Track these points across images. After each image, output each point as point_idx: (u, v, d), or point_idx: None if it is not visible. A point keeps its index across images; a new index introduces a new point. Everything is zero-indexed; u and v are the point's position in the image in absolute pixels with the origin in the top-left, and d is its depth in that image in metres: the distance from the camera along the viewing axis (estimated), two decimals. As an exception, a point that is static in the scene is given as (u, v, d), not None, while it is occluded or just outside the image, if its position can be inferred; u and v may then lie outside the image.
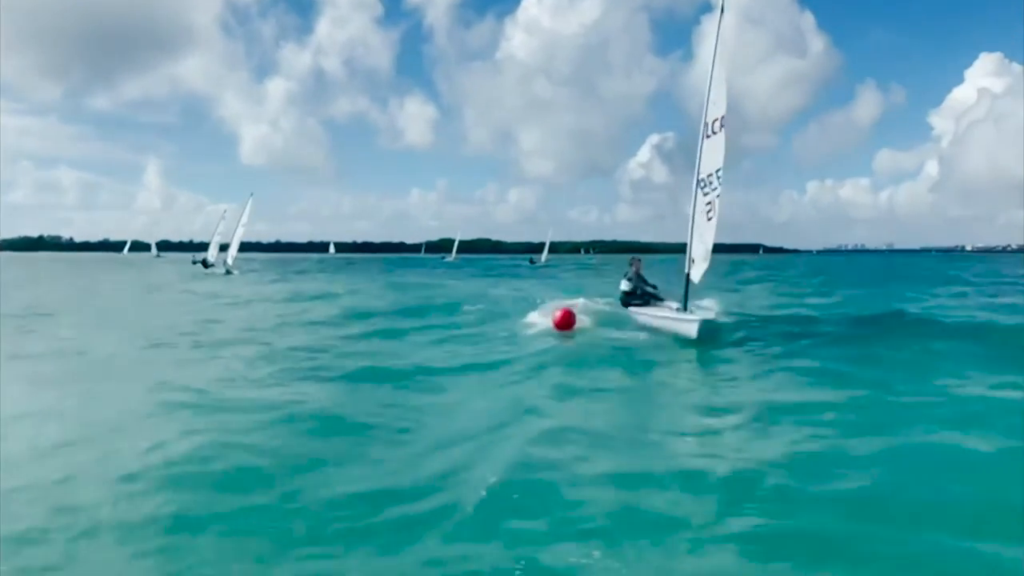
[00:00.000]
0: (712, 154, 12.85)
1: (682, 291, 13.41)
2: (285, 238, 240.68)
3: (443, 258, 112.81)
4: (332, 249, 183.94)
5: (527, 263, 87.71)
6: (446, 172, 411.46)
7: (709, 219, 12.94)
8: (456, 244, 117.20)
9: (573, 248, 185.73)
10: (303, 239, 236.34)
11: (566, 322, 13.44)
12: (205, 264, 58.20)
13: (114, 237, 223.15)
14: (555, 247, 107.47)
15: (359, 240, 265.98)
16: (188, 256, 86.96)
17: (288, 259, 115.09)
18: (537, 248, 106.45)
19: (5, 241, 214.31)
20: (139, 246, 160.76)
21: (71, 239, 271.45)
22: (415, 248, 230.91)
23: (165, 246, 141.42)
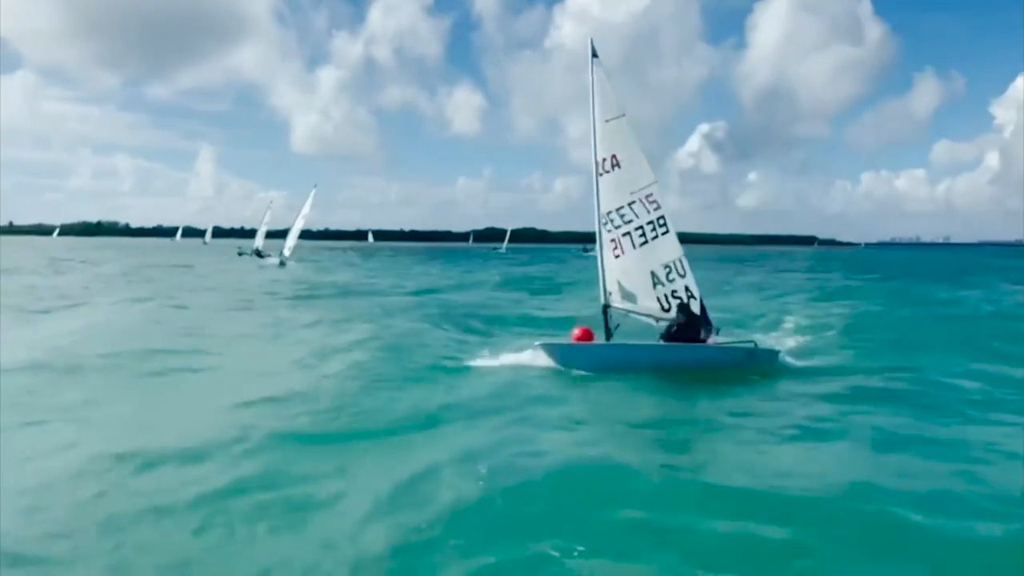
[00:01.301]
0: (608, 192, 13.37)
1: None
2: (334, 226, 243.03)
3: (494, 248, 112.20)
4: (371, 238, 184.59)
5: (580, 252, 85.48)
6: (492, 161, 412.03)
7: (616, 256, 13.37)
8: (508, 234, 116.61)
9: None
10: (351, 227, 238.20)
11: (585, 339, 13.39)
12: (259, 254, 57.02)
13: (167, 223, 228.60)
14: (593, 237, 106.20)
15: (406, 228, 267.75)
16: (235, 243, 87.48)
17: (329, 246, 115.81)
18: (585, 237, 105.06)
19: (65, 226, 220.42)
20: (190, 232, 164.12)
21: (127, 224, 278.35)
22: (461, 237, 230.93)
23: (217, 232, 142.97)
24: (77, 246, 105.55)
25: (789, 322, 20.02)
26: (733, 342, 13.33)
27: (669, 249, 13.48)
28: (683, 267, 13.48)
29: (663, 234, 13.44)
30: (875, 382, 12.25)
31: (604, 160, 13.37)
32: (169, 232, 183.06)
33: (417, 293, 30.77)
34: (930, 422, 9.71)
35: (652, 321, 13.48)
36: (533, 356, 12.81)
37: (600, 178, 13.39)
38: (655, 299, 13.37)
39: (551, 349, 12.82)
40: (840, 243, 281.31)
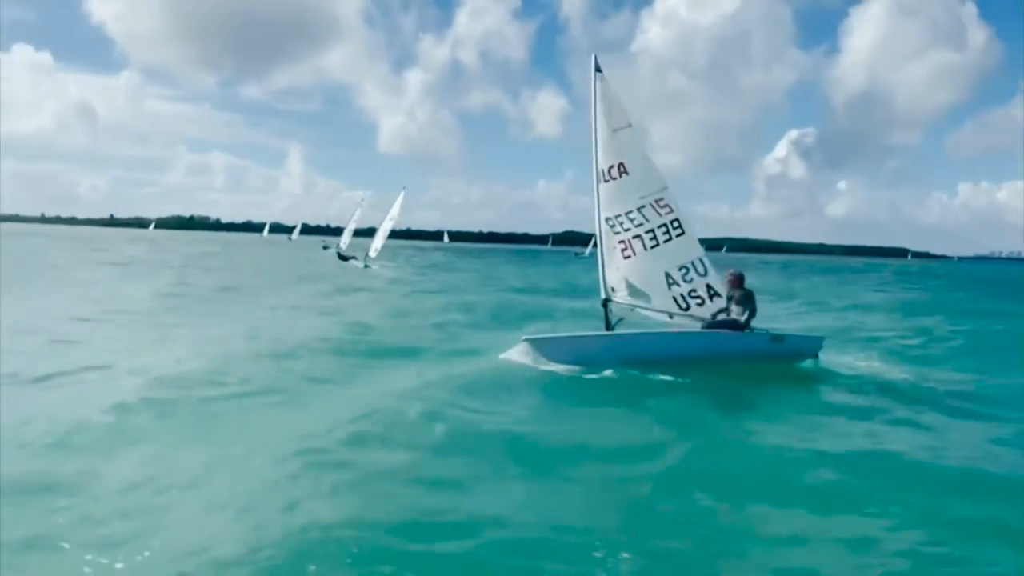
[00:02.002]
0: (613, 197, 13.79)
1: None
2: (415, 226, 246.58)
3: (577, 254, 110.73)
4: (446, 238, 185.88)
5: None
6: (574, 164, 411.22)
7: (626, 257, 13.76)
8: (593, 238, 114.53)
9: (716, 245, 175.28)
10: (431, 227, 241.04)
11: None
12: (342, 257, 55.40)
13: (256, 219, 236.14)
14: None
15: (484, 230, 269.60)
16: (319, 240, 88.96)
17: (405, 246, 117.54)
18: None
19: (161, 219, 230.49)
20: (277, 228, 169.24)
21: (218, 220, 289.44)
22: (539, 239, 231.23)
23: (303, 229, 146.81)
24: (187, 240, 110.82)
25: (873, 335, 19.39)
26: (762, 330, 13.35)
27: (685, 250, 13.76)
28: (704, 266, 13.75)
29: (678, 236, 13.74)
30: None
31: (611, 167, 13.82)
32: (258, 228, 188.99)
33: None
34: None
35: (666, 317, 13.82)
36: (520, 353, 13.03)
37: (606, 184, 13.84)
38: (671, 298, 13.67)
39: (539, 344, 13.01)
40: (934, 256, 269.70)
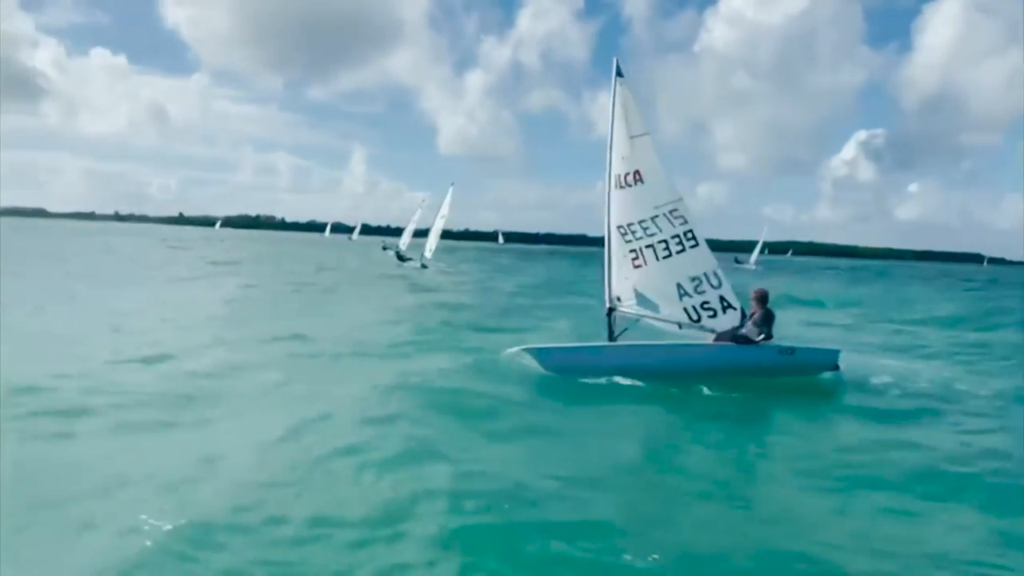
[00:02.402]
0: (627, 204, 13.68)
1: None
2: (473, 227, 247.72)
3: (738, 260, 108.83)
4: (500, 239, 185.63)
5: (731, 264, 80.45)
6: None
7: (637, 266, 13.65)
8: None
9: (781, 248, 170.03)
10: (490, 228, 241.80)
11: None
12: (401, 257, 55.23)
13: (320, 219, 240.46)
14: (746, 246, 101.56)
15: (542, 231, 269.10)
16: (378, 240, 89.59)
17: (464, 247, 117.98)
18: (733, 247, 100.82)
19: (227, 218, 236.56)
20: (338, 228, 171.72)
21: (283, 219, 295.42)
22: (596, 241, 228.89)
23: (364, 230, 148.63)
24: (260, 239, 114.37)
25: (929, 347, 18.78)
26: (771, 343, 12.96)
27: (698, 262, 13.60)
28: (717, 278, 13.57)
29: (691, 247, 13.59)
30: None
31: (627, 174, 13.69)
32: (320, 227, 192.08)
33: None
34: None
35: (675, 327, 13.65)
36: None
37: (622, 191, 13.73)
38: (681, 309, 13.51)
39: (538, 353, 13.13)
40: (1011, 262, 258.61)
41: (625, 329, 13.58)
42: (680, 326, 13.58)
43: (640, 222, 13.61)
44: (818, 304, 32.80)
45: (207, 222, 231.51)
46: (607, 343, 13.37)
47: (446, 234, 57.21)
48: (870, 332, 22.63)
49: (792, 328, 21.17)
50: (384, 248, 65.34)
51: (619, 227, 13.76)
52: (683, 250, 13.57)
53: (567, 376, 12.56)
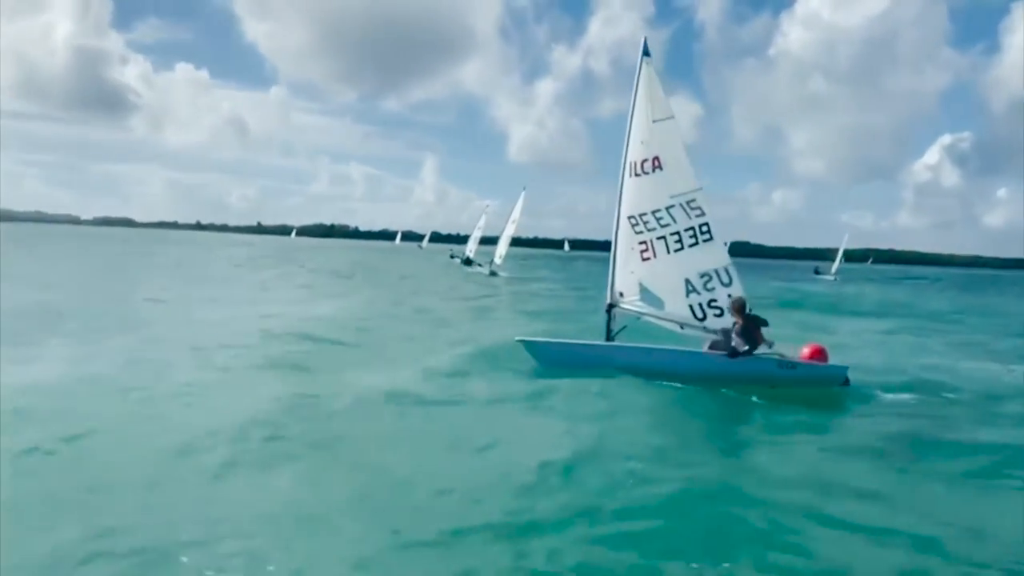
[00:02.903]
0: (641, 193, 13.08)
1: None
2: (542, 234, 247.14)
3: (817, 271, 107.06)
4: (566, 247, 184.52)
5: (810, 274, 77.16)
6: (706, 170, 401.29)
7: (645, 259, 13.12)
8: (727, 247, 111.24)
9: (860, 256, 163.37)
10: (558, 235, 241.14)
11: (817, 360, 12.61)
12: (468, 262, 54.38)
13: (391, 227, 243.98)
14: (822, 254, 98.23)
15: (611, 239, 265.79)
16: (447, 247, 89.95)
17: (534, 254, 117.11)
18: (808, 255, 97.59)
19: (303, 227, 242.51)
20: (409, 236, 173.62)
21: (356, 228, 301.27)
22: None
23: (433, 238, 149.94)
24: (339, 247, 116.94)
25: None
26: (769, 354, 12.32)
27: (710, 257, 13.03)
28: (728, 276, 12.98)
29: (705, 241, 13.01)
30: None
31: (646, 161, 13.08)
32: (392, 236, 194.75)
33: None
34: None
35: (676, 327, 13.10)
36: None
37: (636, 179, 13.13)
38: (687, 307, 12.95)
39: (531, 346, 13.12)
40: None
41: (624, 327, 13.23)
42: (682, 326, 13.05)
43: (654, 212, 13.03)
44: (893, 314, 31.32)
45: (284, 231, 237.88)
46: (601, 342, 13.10)
47: (523, 242, 56.57)
48: (933, 342, 21.33)
49: (846, 337, 20.35)
50: (452, 256, 65.00)
51: (630, 217, 13.16)
52: (696, 243, 13.01)
53: (559, 370, 12.41)
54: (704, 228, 13.04)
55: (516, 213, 50.64)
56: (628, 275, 13.27)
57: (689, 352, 12.67)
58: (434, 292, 33.66)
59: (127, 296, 24.72)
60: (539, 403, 10.73)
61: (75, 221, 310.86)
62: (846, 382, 12.34)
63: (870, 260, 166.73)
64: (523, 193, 51.57)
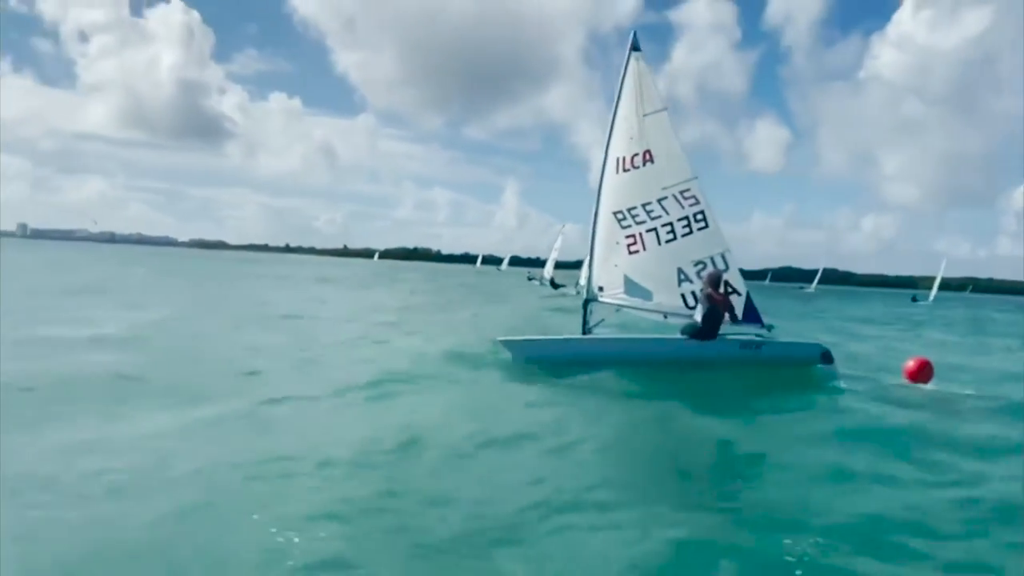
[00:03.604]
0: (628, 189, 13.06)
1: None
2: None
3: (800, 288, 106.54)
4: None
5: (908, 302, 73.36)
6: (793, 197, 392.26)
7: (633, 252, 13.06)
8: (819, 274, 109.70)
9: (958, 286, 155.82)
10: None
11: (922, 374, 12.07)
12: (555, 285, 52.28)
13: (473, 251, 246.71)
14: (916, 282, 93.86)
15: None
16: (525, 271, 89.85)
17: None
18: (900, 283, 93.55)
19: (387, 250, 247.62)
20: (489, 260, 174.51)
21: (439, 251, 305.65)
22: (754, 275, 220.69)
23: (512, 261, 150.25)
24: (421, 269, 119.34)
25: None
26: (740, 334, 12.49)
27: (705, 245, 12.96)
28: (724, 262, 12.91)
29: (699, 230, 12.94)
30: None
31: (636, 156, 13.04)
32: (473, 259, 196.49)
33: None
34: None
35: (660, 316, 13.10)
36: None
37: (624, 174, 13.09)
38: (678, 296, 12.95)
39: (511, 345, 12.98)
40: None
41: (601, 320, 13.30)
42: (666, 316, 13.00)
43: (644, 205, 13.02)
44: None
45: (367, 254, 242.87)
46: (573, 336, 13.23)
47: (580, 263, 55.26)
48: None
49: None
50: (529, 278, 64.33)
51: (616, 212, 13.13)
52: (690, 232, 12.97)
53: (538, 366, 12.28)
54: (699, 216, 12.98)
55: None
56: (611, 269, 13.20)
57: (661, 339, 12.71)
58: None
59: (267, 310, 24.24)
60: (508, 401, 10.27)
61: (172, 243, 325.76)
62: (828, 361, 12.46)
63: (969, 289, 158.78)
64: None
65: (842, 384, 11.89)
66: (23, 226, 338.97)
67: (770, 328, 12.90)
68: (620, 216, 13.12)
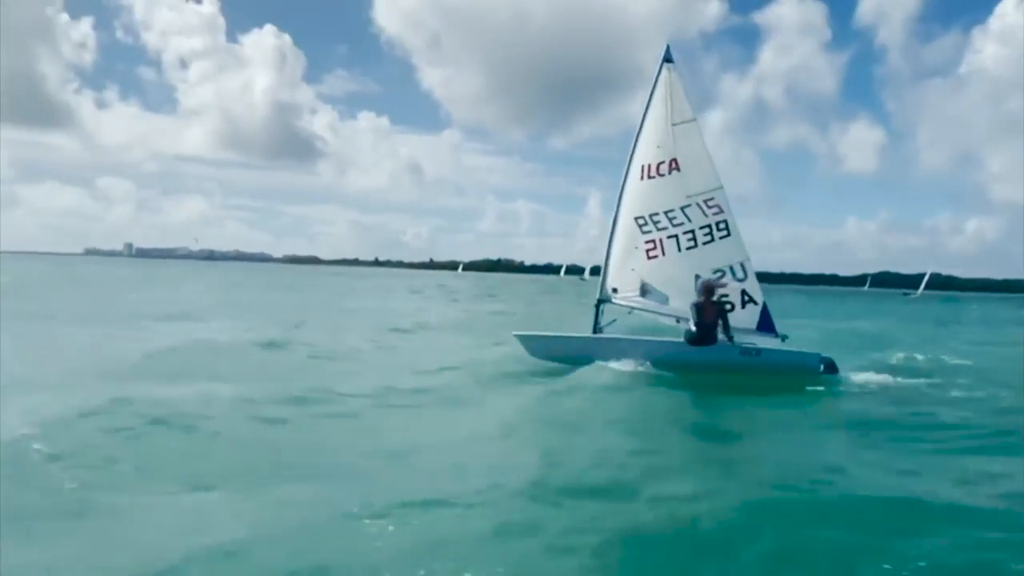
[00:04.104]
0: (652, 195, 13.37)
1: None
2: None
3: (905, 294, 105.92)
4: None
5: None
6: (890, 199, 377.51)
7: (652, 257, 13.38)
8: (926, 278, 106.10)
9: None
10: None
11: None
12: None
13: (556, 261, 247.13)
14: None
15: (787, 271, 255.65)
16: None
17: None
18: (1010, 287, 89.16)
19: (470, 262, 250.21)
20: (572, 270, 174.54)
21: (522, 262, 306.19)
22: (851, 281, 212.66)
23: (597, 270, 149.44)
24: (510, 281, 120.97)
25: None
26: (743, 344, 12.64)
27: (726, 253, 13.23)
28: (743, 271, 13.17)
29: (722, 238, 13.20)
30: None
31: (662, 163, 13.33)
32: (556, 269, 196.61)
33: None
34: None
35: (672, 321, 13.39)
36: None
37: (648, 181, 13.39)
38: (694, 303, 12.97)
39: (527, 340, 13.65)
40: None
41: (613, 320, 13.62)
42: (678, 320, 13.22)
43: (667, 212, 13.29)
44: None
45: (452, 266, 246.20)
46: (587, 335, 13.52)
47: None
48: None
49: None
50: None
51: (637, 218, 13.43)
52: (711, 240, 13.20)
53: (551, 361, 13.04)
54: (722, 225, 13.20)
55: None
56: (628, 272, 13.56)
57: (664, 341, 12.98)
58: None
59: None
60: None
61: (268, 259, 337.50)
62: (832, 370, 12.60)
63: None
64: None
65: None
66: (129, 245, 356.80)
67: (784, 338, 13.03)
68: (642, 222, 13.41)
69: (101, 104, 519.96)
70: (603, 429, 9.07)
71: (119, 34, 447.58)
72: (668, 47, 13.58)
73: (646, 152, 13.45)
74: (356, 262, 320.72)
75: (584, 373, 12.11)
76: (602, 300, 13.69)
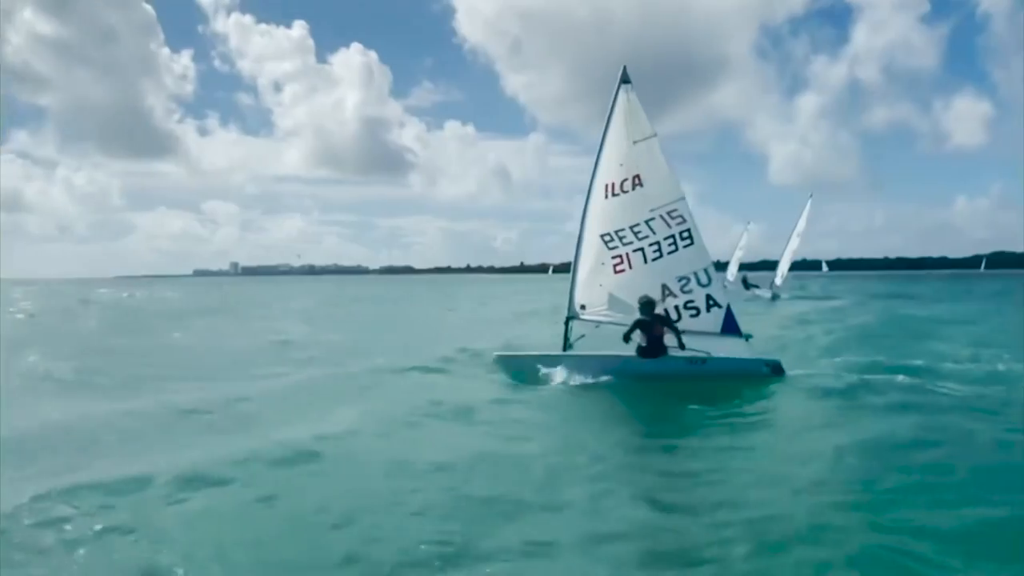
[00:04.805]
0: (617, 212, 13.78)
1: None
2: (811, 256, 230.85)
3: None
4: (824, 268, 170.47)
5: None
6: (1002, 175, 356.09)
7: (619, 271, 13.79)
8: None
9: None
10: (830, 256, 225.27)
11: None
12: (746, 285, 48.18)
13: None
14: None
15: (891, 256, 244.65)
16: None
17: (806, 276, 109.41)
18: None
19: (558, 265, 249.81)
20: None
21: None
22: (963, 263, 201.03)
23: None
24: None
25: None
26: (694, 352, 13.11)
27: (689, 261, 13.64)
28: (707, 277, 13.64)
29: (685, 247, 13.64)
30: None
31: (625, 181, 13.76)
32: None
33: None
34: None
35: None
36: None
37: (613, 199, 13.83)
38: (662, 310, 13.52)
39: (500, 360, 14.47)
40: None
41: (582, 336, 13.96)
42: None
43: (632, 227, 13.76)
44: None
45: (542, 269, 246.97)
46: (555, 352, 13.88)
47: (798, 265, 49.42)
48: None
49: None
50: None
51: (604, 235, 13.91)
52: (675, 250, 13.66)
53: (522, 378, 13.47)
54: (685, 234, 13.66)
55: (801, 224, 46.44)
56: (596, 288, 13.97)
57: (619, 356, 13.31)
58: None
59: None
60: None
61: (364, 271, 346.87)
62: (779, 372, 13.19)
63: None
64: (809, 202, 46.91)
65: None
66: (235, 264, 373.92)
67: (748, 338, 13.49)
68: (608, 238, 13.90)
69: (203, 131, 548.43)
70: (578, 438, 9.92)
71: (216, 63, 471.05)
72: (624, 68, 13.93)
73: (608, 171, 13.90)
74: (448, 270, 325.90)
75: (549, 389, 12.89)
76: (571, 317, 14.10)
